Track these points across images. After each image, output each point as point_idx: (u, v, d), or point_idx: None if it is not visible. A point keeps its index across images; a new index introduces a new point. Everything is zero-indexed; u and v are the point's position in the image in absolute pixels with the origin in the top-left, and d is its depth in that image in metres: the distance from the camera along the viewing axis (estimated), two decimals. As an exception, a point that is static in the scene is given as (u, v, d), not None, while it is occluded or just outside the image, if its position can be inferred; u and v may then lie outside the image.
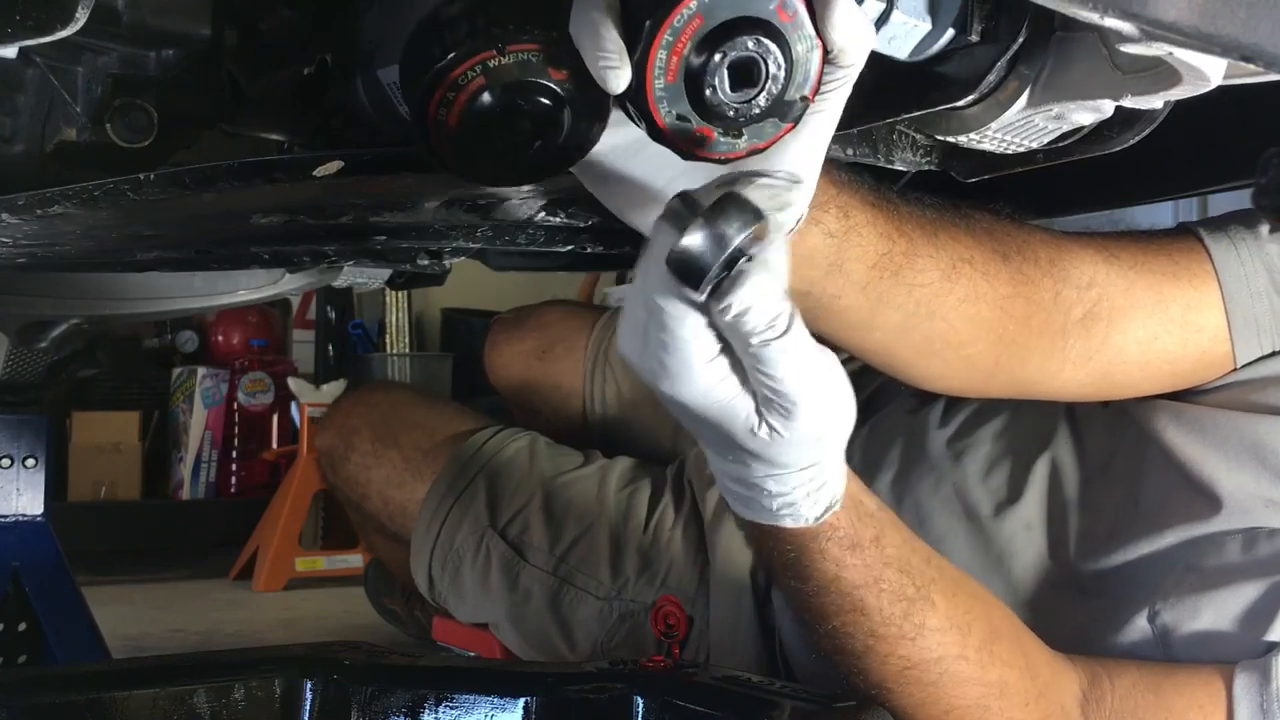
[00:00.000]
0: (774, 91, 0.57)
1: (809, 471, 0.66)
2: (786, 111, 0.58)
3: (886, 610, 0.76)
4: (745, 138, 0.60)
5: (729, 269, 0.57)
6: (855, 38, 0.58)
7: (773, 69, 0.56)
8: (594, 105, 0.61)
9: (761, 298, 0.57)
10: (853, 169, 0.82)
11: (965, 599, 0.80)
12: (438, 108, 0.58)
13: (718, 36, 0.55)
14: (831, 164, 0.78)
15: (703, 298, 0.57)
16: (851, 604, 0.76)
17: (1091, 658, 0.86)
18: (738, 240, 0.56)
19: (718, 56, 0.55)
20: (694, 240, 0.56)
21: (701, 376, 0.60)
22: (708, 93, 0.56)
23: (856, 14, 0.57)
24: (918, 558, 0.78)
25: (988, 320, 0.87)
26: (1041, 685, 0.81)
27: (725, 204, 0.57)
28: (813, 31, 0.57)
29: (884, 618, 0.76)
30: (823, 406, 0.62)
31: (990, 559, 1.03)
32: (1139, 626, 0.90)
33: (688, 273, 0.57)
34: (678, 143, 0.58)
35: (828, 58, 0.58)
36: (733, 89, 0.56)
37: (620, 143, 0.65)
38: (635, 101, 0.57)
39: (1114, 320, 0.90)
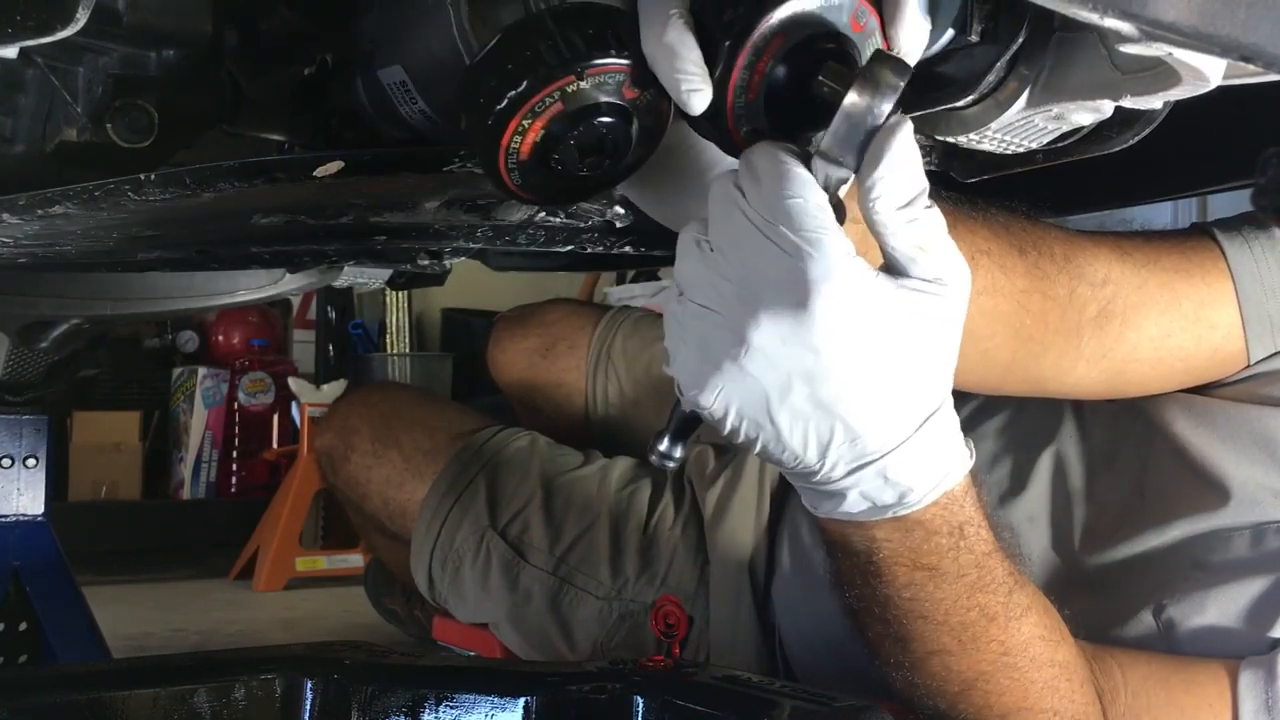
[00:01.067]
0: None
1: (920, 439, 0.63)
2: None
3: (1003, 582, 0.73)
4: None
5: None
6: (919, 40, 0.60)
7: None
8: (657, 122, 0.60)
9: (906, 161, 0.57)
10: None
11: (1029, 580, 0.78)
12: (512, 136, 0.57)
13: (799, 54, 0.54)
14: None
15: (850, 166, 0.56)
16: (973, 582, 0.72)
17: (1098, 645, 0.86)
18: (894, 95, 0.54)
19: (802, 74, 0.55)
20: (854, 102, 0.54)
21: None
22: (788, 108, 0.56)
23: (921, 19, 0.58)
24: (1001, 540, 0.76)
25: (1005, 314, 0.87)
26: (1087, 669, 0.81)
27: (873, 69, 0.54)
28: (880, 38, 0.57)
29: (1000, 595, 0.73)
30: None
31: None
32: (1144, 622, 0.89)
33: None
34: None
35: None
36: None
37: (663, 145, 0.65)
38: (713, 120, 0.56)
39: (1127, 318, 0.90)
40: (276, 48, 0.78)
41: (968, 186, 0.91)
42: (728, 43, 0.54)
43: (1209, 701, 0.82)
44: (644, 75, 0.56)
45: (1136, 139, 0.78)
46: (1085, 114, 0.72)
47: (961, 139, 0.77)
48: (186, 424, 3.66)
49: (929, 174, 0.89)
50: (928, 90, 0.71)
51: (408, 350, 3.96)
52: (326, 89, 0.78)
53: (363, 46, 0.73)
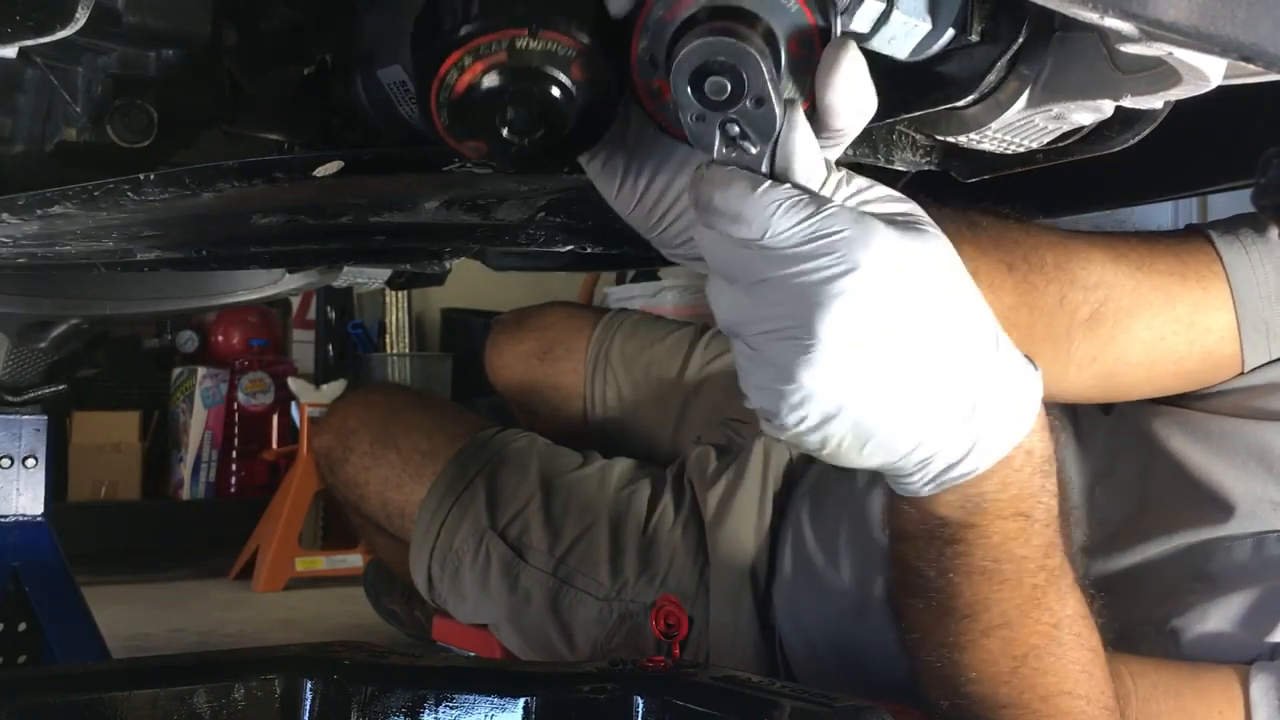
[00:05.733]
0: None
1: (1001, 372, 0.64)
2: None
3: (1057, 543, 0.72)
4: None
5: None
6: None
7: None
8: (600, 115, 0.61)
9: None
10: None
11: None
12: (450, 69, 0.57)
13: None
14: None
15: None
16: (1050, 539, 0.71)
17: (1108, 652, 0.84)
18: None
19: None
20: None
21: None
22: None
23: None
24: None
25: None
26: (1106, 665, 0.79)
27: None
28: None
29: (1056, 557, 0.72)
30: None
31: None
32: (1147, 632, 0.89)
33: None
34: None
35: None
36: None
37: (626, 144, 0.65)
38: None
39: (1119, 320, 0.90)
40: (276, 48, 0.78)
41: (966, 189, 0.91)
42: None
43: (1219, 709, 0.81)
44: (595, 63, 0.57)
45: (1137, 139, 0.78)
46: (1086, 114, 0.72)
47: (962, 139, 0.77)
48: (186, 424, 3.66)
49: (929, 174, 0.90)
50: (928, 90, 0.71)
51: (407, 350, 3.95)
52: (326, 89, 0.78)
53: (363, 46, 0.73)
